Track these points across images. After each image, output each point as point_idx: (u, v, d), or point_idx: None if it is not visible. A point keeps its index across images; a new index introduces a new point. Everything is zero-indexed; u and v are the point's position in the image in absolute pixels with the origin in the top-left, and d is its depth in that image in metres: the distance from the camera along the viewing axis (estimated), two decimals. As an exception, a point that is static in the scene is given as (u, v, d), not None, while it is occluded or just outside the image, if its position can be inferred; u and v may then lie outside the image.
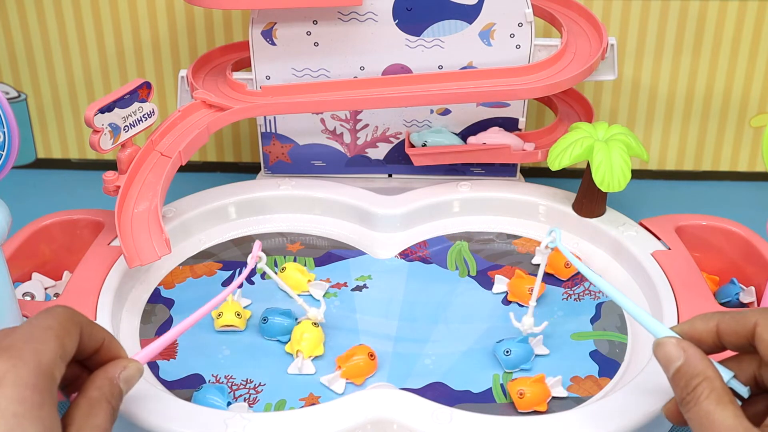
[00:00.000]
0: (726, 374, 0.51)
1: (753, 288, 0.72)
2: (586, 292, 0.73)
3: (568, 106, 0.88)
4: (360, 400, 0.59)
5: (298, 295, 0.69)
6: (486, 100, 0.78)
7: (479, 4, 0.76)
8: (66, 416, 0.49)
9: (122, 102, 0.71)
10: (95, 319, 0.67)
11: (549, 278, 0.74)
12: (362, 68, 0.79)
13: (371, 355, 0.65)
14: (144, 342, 0.68)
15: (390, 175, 0.86)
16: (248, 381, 0.65)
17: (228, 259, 0.76)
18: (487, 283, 0.74)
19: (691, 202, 0.91)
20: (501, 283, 0.73)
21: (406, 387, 0.64)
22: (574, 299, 0.72)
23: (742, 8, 0.86)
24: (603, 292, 0.59)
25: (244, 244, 0.78)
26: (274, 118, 0.83)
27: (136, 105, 0.73)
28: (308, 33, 0.78)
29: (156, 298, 0.73)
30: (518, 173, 0.85)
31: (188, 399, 0.62)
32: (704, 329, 0.52)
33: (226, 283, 0.74)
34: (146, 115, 0.74)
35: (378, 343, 0.68)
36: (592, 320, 0.70)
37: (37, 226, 0.76)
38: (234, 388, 0.64)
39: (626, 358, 0.67)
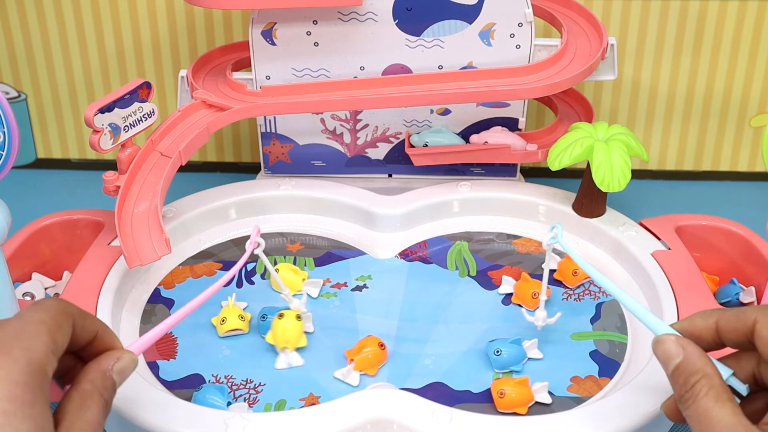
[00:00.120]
0: (725, 372, 0.51)
1: (753, 288, 0.72)
2: (586, 292, 0.73)
3: (568, 106, 0.88)
4: (360, 400, 0.59)
5: (294, 295, 0.69)
6: (486, 100, 0.78)
7: (479, 4, 0.76)
8: (58, 410, 0.48)
9: (122, 102, 0.71)
10: (95, 319, 0.66)
11: (556, 284, 0.74)
12: (362, 68, 0.79)
13: (381, 345, 0.66)
14: (144, 342, 0.68)
15: (390, 175, 0.86)
16: (248, 381, 0.65)
17: (228, 259, 0.76)
18: (487, 283, 0.74)
19: (691, 202, 0.91)
20: (508, 284, 0.73)
21: (406, 387, 0.64)
22: (574, 299, 0.72)
23: (742, 8, 0.86)
24: (602, 287, 0.59)
25: (244, 244, 0.77)
26: (274, 118, 0.83)
27: (136, 105, 0.73)
28: (308, 33, 0.78)
29: (156, 298, 0.73)
30: (518, 173, 0.85)
31: (188, 399, 0.62)
32: (704, 326, 0.52)
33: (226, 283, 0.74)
34: (146, 115, 0.74)
35: (378, 343, 0.68)
36: (592, 320, 0.70)
37: (37, 226, 0.76)
38: (234, 388, 0.64)
39: (626, 358, 0.67)
